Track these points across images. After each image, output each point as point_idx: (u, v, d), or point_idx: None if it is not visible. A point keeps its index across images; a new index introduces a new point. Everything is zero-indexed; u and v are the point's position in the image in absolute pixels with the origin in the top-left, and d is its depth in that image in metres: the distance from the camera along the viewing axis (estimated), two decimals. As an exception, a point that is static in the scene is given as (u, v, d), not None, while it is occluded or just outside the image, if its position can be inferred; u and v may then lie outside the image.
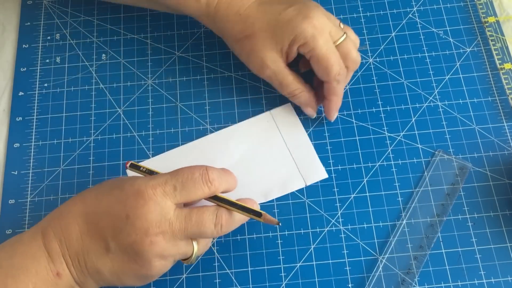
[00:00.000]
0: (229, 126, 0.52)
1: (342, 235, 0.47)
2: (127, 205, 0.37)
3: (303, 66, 0.52)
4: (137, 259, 0.37)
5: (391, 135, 0.51)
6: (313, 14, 0.46)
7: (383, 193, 0.48)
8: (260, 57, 0.48)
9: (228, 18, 0.48)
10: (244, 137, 0.51)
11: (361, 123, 0.52)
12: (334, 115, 0.50)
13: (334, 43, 0.47)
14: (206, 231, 0.39)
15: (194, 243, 0.40)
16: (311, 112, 0.51)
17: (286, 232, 0.47)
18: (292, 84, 0.49)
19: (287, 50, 0.47)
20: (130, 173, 0.49)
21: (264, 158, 0.50)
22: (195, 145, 0.51)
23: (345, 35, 0.47)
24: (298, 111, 0.52)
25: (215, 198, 0.41)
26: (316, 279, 0.45)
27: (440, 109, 0.52)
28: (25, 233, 0.39)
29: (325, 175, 0.49)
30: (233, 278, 0.46)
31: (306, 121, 0.52)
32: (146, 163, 0.50)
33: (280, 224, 0.42)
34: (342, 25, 0.49)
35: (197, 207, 0.40)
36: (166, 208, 0.37)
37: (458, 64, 0.54)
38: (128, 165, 0.44)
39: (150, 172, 0.43)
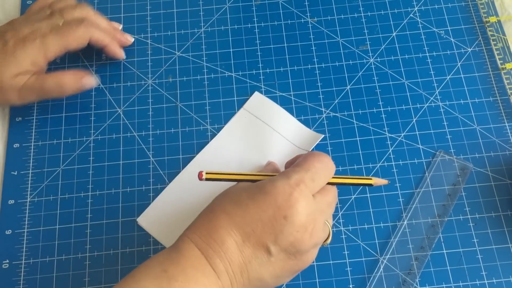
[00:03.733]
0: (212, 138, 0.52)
1: (343, 236, 0.47)
2: (280, 206, 0.37)
3: None
4: (297, 255, 0.38)
5: (392, 135, 0.51)
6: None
7: (384, 193, 0.48)
8: None
9: None
10: (232, 141, 0.51)
11: (361, 124, 0.51)
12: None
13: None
14: (333, 210, 0.41)
15: (327, 223, 0.41)
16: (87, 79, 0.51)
17: (287, 233, 0.47)
18: None
19: None
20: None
21: (261, 150, 0.50)
22: (195, 162, 0.50)
23: None
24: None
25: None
26: (317, 280, 0.45)
27: (441, 110, 0.52)
28: (183, 254, 0.37)
29: (321, 135, 0.50)
30: (234, 279, 0.45)
31: (306, 121, 0.52)
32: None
33: (389, 182, 0.44)
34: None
35: (321, 190, 0.40)
36: (311, 199, 0.38)
37: (459, 64, 0.54)
38: (203, 177, 0.40)
39: (226, 178, 0.41)
